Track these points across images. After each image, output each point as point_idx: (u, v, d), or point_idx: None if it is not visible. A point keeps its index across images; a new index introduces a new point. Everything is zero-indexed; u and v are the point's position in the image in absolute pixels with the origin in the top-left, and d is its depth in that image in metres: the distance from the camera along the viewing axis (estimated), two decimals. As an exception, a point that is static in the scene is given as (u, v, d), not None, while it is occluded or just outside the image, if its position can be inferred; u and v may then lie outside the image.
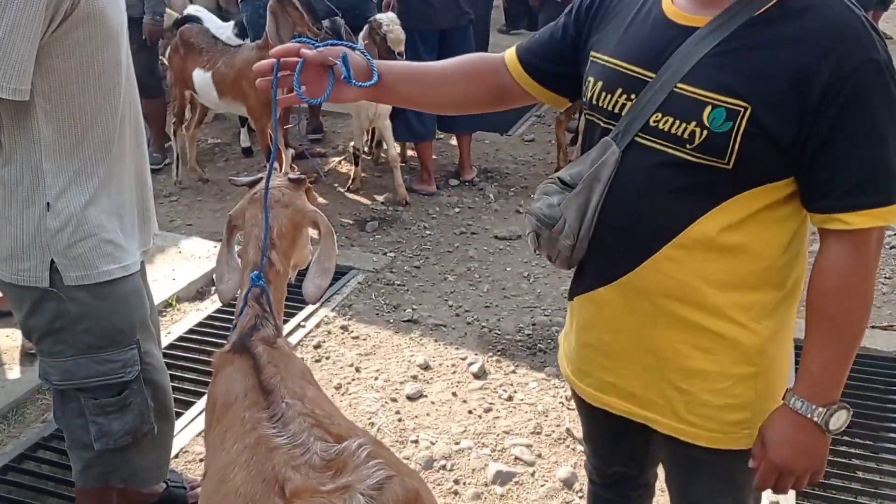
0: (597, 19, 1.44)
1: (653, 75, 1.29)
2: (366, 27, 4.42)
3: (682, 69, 1.25)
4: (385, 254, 4.21)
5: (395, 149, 4.93)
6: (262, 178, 2.03)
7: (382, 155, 5.50)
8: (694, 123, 1.23)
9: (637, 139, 1.30)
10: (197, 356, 3.26)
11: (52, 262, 1.79)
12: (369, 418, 2.87)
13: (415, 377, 3.12)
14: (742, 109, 1.20)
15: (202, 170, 5.25)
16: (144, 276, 2.15)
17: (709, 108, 1.22)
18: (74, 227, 1.79)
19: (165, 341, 3.19)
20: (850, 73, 1.16)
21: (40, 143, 1.75)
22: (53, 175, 1.77)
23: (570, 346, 1.57)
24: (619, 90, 1.33)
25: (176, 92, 4.98)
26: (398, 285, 3.88)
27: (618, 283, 1.38)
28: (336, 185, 5.17)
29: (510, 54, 1.56)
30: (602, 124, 1.37)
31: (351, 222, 4.62)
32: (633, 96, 1.31)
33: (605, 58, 1.38)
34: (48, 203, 1.77)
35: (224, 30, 5.14)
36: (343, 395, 3.01)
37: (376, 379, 3.11)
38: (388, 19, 4.37)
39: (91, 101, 1.77)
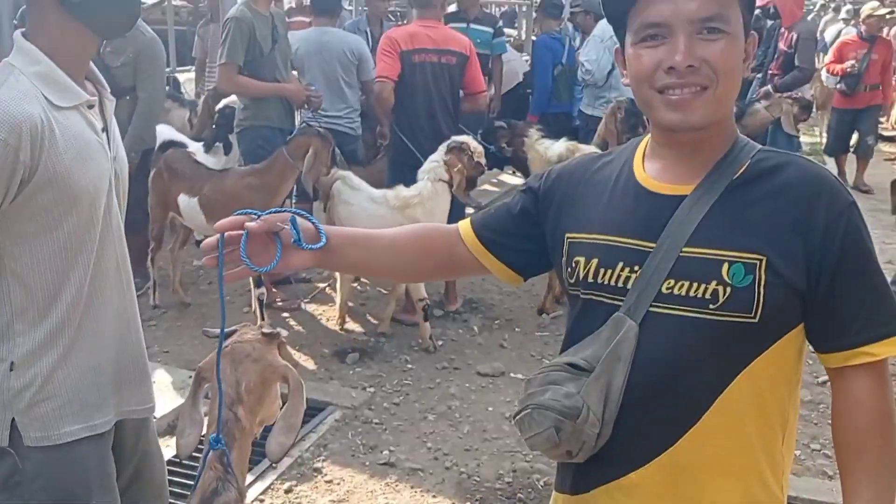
0: (564, 205, 1.45)
1: (653, 245, 1.30)
2: (444, 150, 4.51)
3: (684, 234, 1.28)
4: (364, 388, 4.12)
5: None
6: (236, 331, 2.02)
7: (364, 280, 5.49)
8: (715, 283, 1.25)
9: (652, 309, 1.28)
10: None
11: (14, 420, 1.74)
12: (338, 575, 2.71)
13: (388, 528, 2.98)
14: (758, 261, 1.24)
15: (185, 293, 5.21)
16: (143, 433, 2.06)
17: (726, 266, 1.25)
18: (38, 388, 1.74)
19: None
20: (842, 213, 1.26)
21: (11, 304, 1.72)
22: (23, 335, 1.73)
23: None
24: (620, 264, 1.32)
25: (156, 214, 4.98)
26: (376, 423, 3.77)
27: (654, 464, 1.31)
28: (318, 313, 5.13)
29: (465, 228, 1.55)
30: (607, 301, 1.34)
31: (331, 353, 4.54)
32: (636, 268, 1.31)
33: (593, 236, 1.37)
34: (12, 363, 1.73)
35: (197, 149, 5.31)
36: (312, 547, 2.86)
37: (348, 530, 2.96)
38: (470, 139, 4.59)
39: (62, 261, 1.74)
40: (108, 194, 1.82)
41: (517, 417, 1.36)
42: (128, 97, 4.71)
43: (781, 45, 7.19)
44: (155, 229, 5.05)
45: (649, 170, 1.38)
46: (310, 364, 4.40)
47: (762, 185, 1.30)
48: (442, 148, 4.51)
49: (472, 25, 5.64)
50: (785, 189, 1.28)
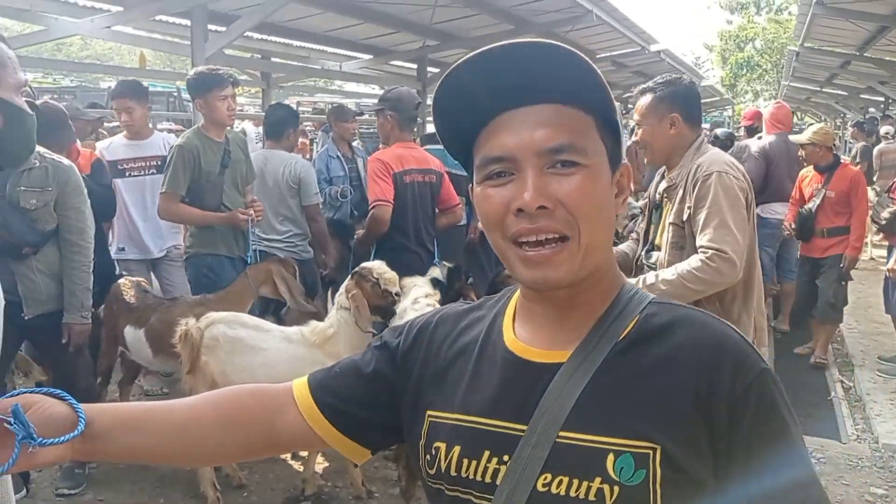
0: (428, 372, 1.18)
1: (524, 428, 1.05)
2: (348, 281, 3.97)
3: (561, 414, 1.03)
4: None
5: None
6: None
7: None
8: (599, 480, 0.99)
9: None
10: None
11: None
12: None
13: None
14: (651, 451, 0.99)
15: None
16: None
17: (611, 457, 0.99)
18: None
19: None
20: (752, 384, 1.01)
21: None
22: None
23: None
24: (487, 453, 1.07)
25: (105, 348, 4.68)
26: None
27: None
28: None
29: (301, 389, 1.23)
30: (475, 500, 1.07)
31: (281, 501, 4.12)
32: (505, 458, 1.05)
33: (455, 416, 1.11)
34: None
35: None
36: None
37: None
38: (378, 264, 4.03)
39: None
40: None
41: None
42: (50, 244, 3.81)
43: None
44: (104, 364, 4.74)
45: (520, 332, 1.14)
46: (257, 514, 3.99)
47: (653, 350, 1.05)
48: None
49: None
50: (680, 354, 1.03)
